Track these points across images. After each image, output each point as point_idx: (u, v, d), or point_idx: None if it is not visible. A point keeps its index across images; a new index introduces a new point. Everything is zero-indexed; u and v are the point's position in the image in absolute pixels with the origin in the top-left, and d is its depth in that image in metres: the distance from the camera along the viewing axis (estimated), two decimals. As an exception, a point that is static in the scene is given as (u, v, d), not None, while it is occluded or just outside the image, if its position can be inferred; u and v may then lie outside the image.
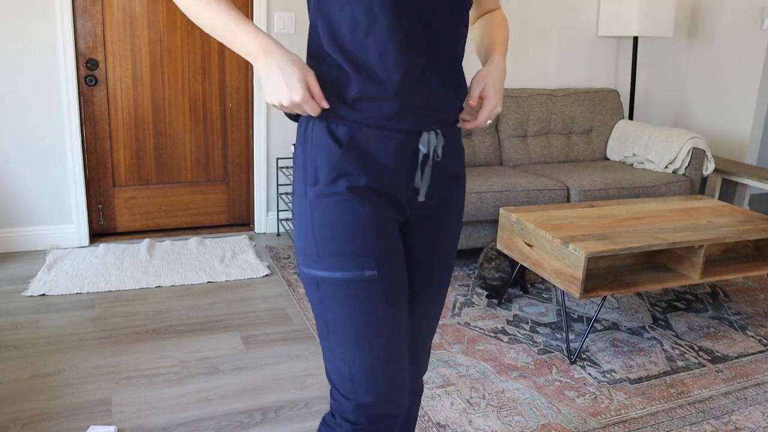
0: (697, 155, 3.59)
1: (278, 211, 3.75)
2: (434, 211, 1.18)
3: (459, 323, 2.65)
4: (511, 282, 2.94)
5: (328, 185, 1.05)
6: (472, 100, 1.14)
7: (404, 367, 1.11)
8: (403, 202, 1.11)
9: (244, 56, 1.04)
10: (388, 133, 1.06)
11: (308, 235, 1.06)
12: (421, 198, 1.13)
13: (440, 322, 2.65)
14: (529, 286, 3.09)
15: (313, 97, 1.01)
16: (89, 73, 3.32)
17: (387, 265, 1.06)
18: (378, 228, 1.06)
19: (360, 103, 1.04)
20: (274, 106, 1.02)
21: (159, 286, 2.93)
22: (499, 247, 2.72)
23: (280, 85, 0.99)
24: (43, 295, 2.77)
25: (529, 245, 2.50)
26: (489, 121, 1.15)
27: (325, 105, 1.03)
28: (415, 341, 1.25)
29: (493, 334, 2.56)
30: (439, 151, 1.12)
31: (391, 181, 1.08)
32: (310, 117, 1.07)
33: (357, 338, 1.06)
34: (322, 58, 1.06)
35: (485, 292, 2.96)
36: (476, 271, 3.25)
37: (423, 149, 1.10)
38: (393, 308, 1.07)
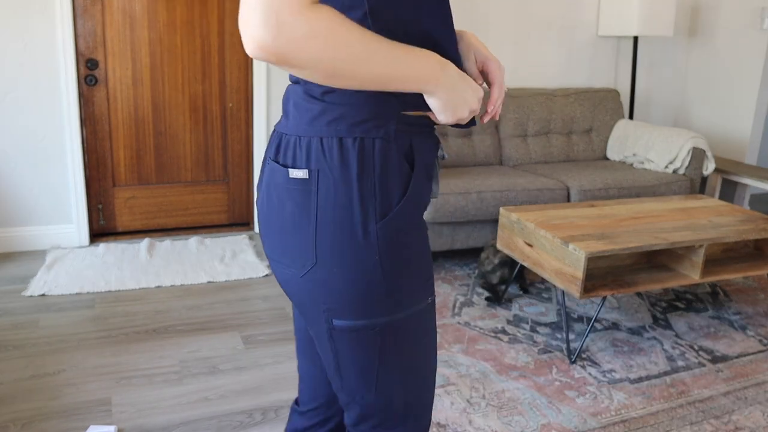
0: (697, 155, 3.59)
1: (278, 211, 3.74)
2: None
3: (459, 323, 2.65)
4: (512, 278, 2.94)
5: (405, 212, 0.89)
6: (478, 79, 1.03)
7: None
8: None
9: (414, 86, 0.84)
10: (433, 134, 0.97)
11: (370, 279, 0.88)
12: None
13: (441, 322, 2.65)
14: (529, 285, 3.09)
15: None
16: (89, 72, 3.32)
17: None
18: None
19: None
20: (460, 122, 0.91)
21: (159, 286, 2.92)
22: (499, 246, 2.72)
23: (468, 92, 0.89)
24: (43, 294, 2.77)
25: (529, 245, 2.50)
26: (506, 88, 1.06)
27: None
28: None
29: (493, 334, 2.56)
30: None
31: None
32: (365, 133, 0.87)
33: (423, 368, 0.99)
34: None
35: (485, 293, 2.96)
36: (476, 270, 3.25)
37: (444, 151, 1.05)
38: None
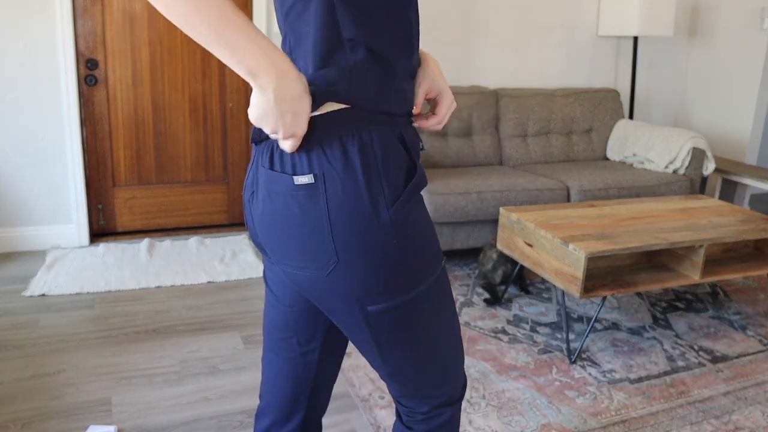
0: (697, 155, 3.59)
1: (278, 211, 3.74)
2: None
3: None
4: (512, 276, 2.94)
5: (410, 195, 0.93)
6: (416, 107, 1.02)
7: None
8: None
9: (242, 71, 0.81)
10: (411, 123, 1.00)
11: (393, 261, 0.91)
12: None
13: (440, 322, 2.65)
14: (529, 285, 3.09)
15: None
16: (89, 72, 3.32)
17: None
18: None
19: (404, 86, 0.95)
20: (262, 130, 0.87)
21: (159, 286, 2.92)
22: (499, 247, 2.72)
23: (288, 117, 0.83)
24: (43, 295, 2.77)
25: (529, 245, 2.50)
26: (443, 123, 1.07)
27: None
28: None
29: (493, 334, 2.56)
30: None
31: None
32: (360, 129, 0.88)
33: (453, 326, 1.06)
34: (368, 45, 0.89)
35: (485, 294, 2.96)
36: (476, 270, 3.25)
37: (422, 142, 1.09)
38: None
